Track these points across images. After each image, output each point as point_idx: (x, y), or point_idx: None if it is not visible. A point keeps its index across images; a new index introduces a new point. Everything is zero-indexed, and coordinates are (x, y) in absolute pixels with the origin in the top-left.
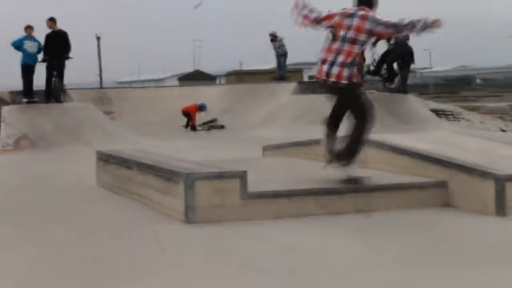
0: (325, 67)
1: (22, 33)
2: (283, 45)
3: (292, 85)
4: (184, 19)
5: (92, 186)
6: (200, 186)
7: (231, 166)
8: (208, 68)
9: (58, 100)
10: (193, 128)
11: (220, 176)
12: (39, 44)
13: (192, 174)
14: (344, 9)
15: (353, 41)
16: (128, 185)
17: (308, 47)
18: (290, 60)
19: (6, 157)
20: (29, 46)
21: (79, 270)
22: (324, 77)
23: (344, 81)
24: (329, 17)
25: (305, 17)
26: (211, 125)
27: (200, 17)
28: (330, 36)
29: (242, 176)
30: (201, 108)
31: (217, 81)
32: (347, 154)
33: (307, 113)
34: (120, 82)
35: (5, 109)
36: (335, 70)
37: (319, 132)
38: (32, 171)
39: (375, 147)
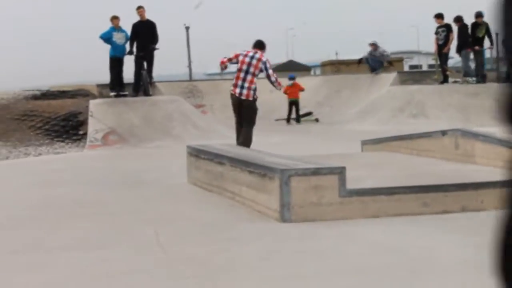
0: (238, 89)
1: (108, 24)
2: (383, 55)
3: (392, 76)
4: (276, 6)
5: (182, 183)
6: (296, 182)
7: (329, 162)
8: (302, 58)
9: (146, 93)
10: (288, 120)
11: (317, 172)
12: (126, 34)
13: (288, 170)
14: (245, 50)
15: (253, 74)
16: (220, 181)
17: (408, 33)
18: (390, 48)
19: (95, 153)
20: (118, 37)
21: (172, 268)
22: (237, 95)
23: (250, 98)
24: (235, 56)
25: (222, 61)
26: (304, 118)
27: (294, 5)
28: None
29: (340, 172)
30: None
31: (312, 72)
32: (243, 142)
33: (408, 105)
34: (210, 74)
35: (93, 103)
36: (245, 91)
37: (422, 125)
38: (121, 167)
39: (482, 141)
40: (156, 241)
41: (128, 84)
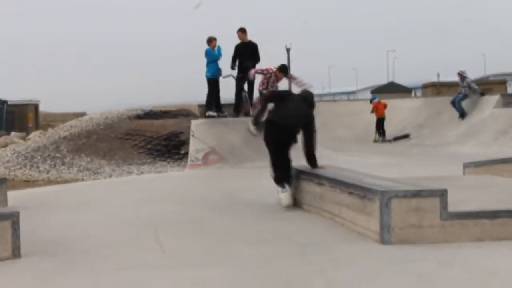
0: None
1: (202, 46)
2: (466, 87)
3: (494, 98)
4: (377, 27)
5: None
6: (397, 204)
7: (430, 184)
8: (403, 80)
9: (247, 114)
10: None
11: (418, 194)
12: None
13: (388, 192)
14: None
15: None
16: (319, 202)
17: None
18: (492, 70)
19: (196, 172)
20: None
21: None
22: None
23: None
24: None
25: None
26: (396, 137)
27: (395, 26)
28: None
29: (442, 195)
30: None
31: (413, 94)
32: None
33: (511, 128)
34: None
35: (194, 123)
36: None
37: None
38: (221, 186)
39: None
40: (252, 261)
41: (229, 104)
